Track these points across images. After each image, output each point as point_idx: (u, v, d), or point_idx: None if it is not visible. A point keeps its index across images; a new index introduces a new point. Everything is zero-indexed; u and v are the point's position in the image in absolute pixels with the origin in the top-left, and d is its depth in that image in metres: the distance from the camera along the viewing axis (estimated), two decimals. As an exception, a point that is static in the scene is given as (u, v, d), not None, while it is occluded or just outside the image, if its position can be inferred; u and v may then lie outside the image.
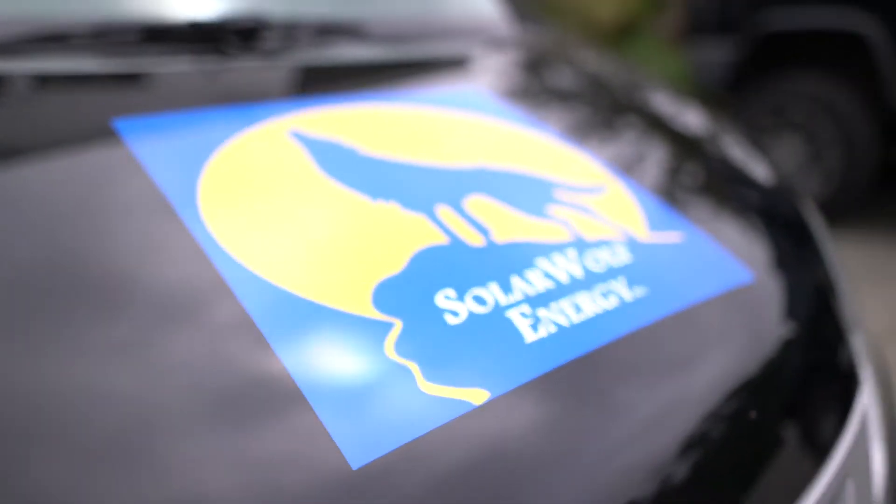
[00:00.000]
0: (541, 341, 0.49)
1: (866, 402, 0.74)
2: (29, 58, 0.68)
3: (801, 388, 0.66)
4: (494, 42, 1.18)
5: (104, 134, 0.59)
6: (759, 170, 1.01)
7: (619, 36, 6.32)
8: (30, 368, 0.38)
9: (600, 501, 0.43)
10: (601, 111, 1.04)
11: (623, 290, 0.58)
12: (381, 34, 1.01)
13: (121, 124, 0.60)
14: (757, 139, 3.89)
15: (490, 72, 1.06)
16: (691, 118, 1.10)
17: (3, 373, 0.38)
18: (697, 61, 4.17)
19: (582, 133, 0.91)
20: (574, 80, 1.15)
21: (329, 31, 0.95)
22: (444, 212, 0.59)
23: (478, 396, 0.44)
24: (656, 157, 0.92)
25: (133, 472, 0.35)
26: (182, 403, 0.39)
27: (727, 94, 4.14)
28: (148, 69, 0.73)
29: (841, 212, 3.89)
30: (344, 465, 0.38)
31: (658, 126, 1.02)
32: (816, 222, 0.98)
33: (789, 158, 3.99)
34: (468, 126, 0.76)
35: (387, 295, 0.48)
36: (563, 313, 0.53)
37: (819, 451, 0.61)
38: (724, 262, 0.68)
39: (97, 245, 0.48)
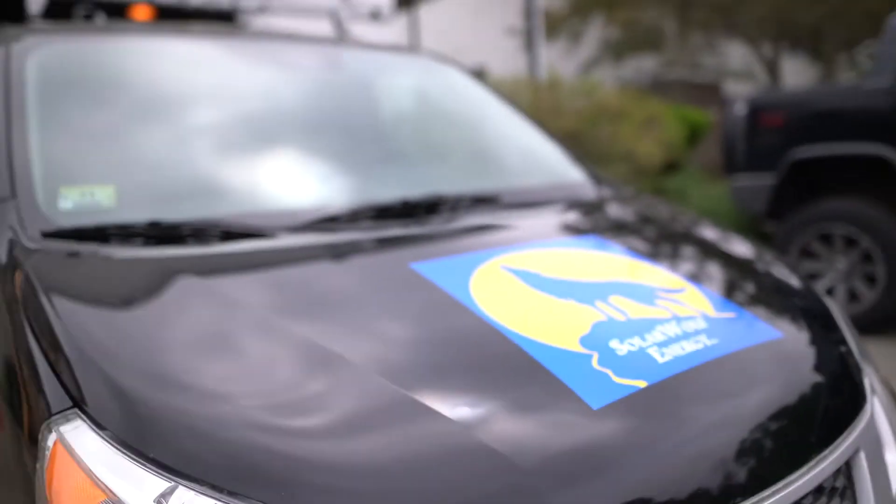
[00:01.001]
0: (665, 362, 0.96)
1: (875, 410, 1.12)
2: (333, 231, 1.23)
3: (816, 401, 1.06)
4: (585, 199, 1.72)
5: (409, 270, 1.10)
6: (785, 273, 1.47)
7: (665, 173, 6.96)
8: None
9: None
10: (675, 241, 1.54)
11: (704, 341, 1.03)
12: (510, 201, 1.56)
13: (416, 265, 1.11)
14: (795, 256, 4.24)
15: (589, 220, 1.59)
16: (736, 242, 1.58)
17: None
18: (736, 191, 4.59)
19: (662, 255, 1.40)
20: (648, 220, 1.66)
21: (480, 200, 1.50)
22: (600, 304, 1.07)
23: (641, 384, 0.90)
24: (716, 268, 1.40)
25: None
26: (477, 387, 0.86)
27: (767, 218, 4.50)
28: (399, 232, 1.27)
29: (890, 318, 4.06)
30: (589, 408, 0.84)
31: (712, 248, 1.50)
32: (834, 307, 1.41)
33: (838, 273, 4.20)
34: (593, 257, 1.27)
35: (586, 341, 0.97)
36: (673, 351, 0.99)
37: (835, 434, 1.01)
38: (762, 327, 1.13)
39: (436, 328, 0.98)
